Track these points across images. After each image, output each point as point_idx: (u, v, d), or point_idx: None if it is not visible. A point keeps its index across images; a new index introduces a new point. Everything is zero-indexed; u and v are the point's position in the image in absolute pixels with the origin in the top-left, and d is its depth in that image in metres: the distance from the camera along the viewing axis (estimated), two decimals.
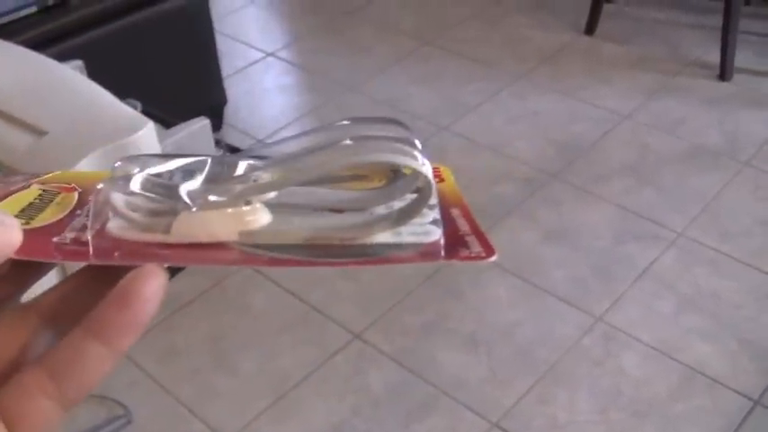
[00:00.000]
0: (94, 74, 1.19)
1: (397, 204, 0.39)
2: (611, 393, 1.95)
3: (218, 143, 1.27)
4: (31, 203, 0.38)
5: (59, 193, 0.39)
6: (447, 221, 0.38)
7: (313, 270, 2.35)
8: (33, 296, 0.36)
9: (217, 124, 2.62)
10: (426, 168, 0.38)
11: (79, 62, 1.39)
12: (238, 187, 0.37)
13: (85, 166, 0.97)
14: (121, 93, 1.15)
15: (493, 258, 0.36)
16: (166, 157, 0.40)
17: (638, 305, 2.15)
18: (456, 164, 2.47)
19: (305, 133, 0.41)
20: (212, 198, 0.37)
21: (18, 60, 1.17)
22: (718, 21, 2.95)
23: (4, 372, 0.33)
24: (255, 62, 3.22)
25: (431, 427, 1.91)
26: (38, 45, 1.42)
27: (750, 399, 1.92)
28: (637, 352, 2.04)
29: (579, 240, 2.34)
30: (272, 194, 0.37)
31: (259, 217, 0.37)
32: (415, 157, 0.37)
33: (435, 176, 0.41)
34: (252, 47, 3.31)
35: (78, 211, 0.38)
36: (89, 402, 1.98)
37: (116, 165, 0.39)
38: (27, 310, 0.35)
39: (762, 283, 2.20)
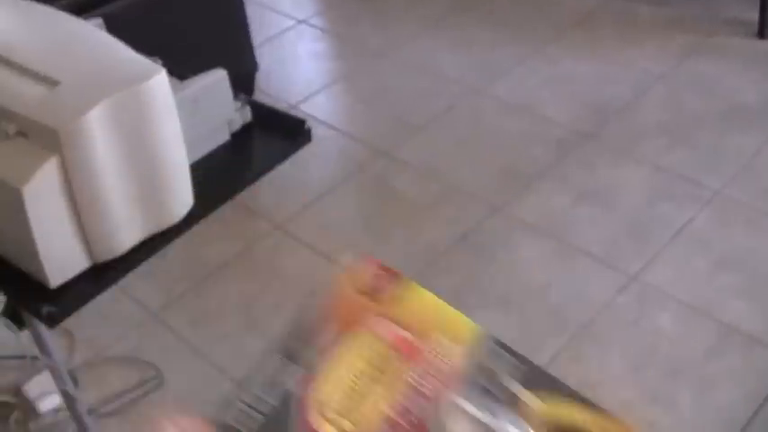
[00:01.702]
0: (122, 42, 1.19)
1: None
2: (645, 352, 1.93)
3: (236, 96, 1.27)
4: (353, 388, 0.32)
5: (392, 354, 0.33)
6: None
7: (345, 233, 2.36)
8: None
9: (248, 90, 2.62)
10: None
11: (99, 20, 1.39)
12: None
13: (98, 113, 0.98)
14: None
15: None
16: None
17: (674, 264, 2.13)
18: (490, 126, 2.47)
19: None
20: None
21: (31, 14, 1.18)
22: None
23: None
24: (287, 30, 3.21)
25: None
26: None
27: None
28: (671, 311, 2.01)
29: (614, 201, 2.32)
30: None
31: None
32: None
33: None
34: (283, 15, 3.30)
35: (409, 406, 0.32)
36: (121, 365, 2.00)
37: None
38: None
39: None
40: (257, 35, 2.80)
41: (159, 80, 1.03)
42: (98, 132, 0.97)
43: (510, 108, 2.67)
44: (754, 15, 2.92)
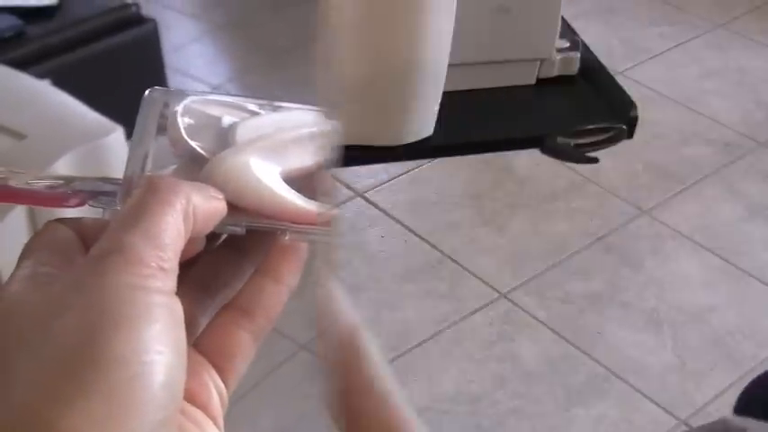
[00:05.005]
0: None
1: None
2: None
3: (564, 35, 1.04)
4: None
5: None
6: None
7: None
8: None
9: None
10: None
11: (47, 81, 1.48)
12: None
13: (61, 165, 1.14)
14: None
15: None
16: None
17: None
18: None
19: None
20: None
21: None
22: None
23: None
24: None
25: (599, 413, 1.52)
26: None
27: None
28: None
29: None
30: None
31: None
32: None
33: None
34: (198, 80, 3.08)
35: None
36: None
37: None
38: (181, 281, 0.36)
39: None
40: None
41: (117, 136, 1.20)
42: None
43: (662, 98, 2.29)
44: None
